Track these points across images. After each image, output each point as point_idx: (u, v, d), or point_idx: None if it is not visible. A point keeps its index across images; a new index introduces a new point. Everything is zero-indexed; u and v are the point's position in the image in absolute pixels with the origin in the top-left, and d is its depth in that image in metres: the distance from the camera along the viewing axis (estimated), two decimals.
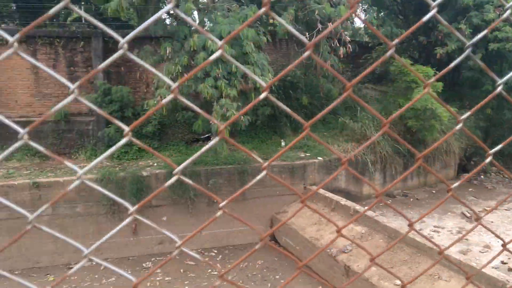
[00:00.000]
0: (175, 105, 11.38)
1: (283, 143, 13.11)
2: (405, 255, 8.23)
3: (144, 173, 11.04)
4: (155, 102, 10.11)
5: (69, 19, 16.15)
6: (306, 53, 1.08)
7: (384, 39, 1.19)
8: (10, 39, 0.85)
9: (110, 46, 13.03)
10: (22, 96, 12.83)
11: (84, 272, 10.13)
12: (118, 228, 1.09)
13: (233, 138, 13.19)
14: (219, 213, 1.13)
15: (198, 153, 1.12)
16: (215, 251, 11.33)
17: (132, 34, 0.92)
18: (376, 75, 17.36)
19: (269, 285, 9.59)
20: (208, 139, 12.69)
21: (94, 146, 12.50)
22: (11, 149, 0.92)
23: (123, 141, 1.04)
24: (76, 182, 1.00)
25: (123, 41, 0.92)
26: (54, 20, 16.50)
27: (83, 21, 15.55)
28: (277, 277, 9.87)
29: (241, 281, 9.67)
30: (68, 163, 1.05)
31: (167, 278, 9.84)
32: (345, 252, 9.01)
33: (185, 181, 1.07)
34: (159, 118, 12.45)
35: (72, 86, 0.93)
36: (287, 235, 11.10)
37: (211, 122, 10.24)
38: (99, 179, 10.58)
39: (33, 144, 0.95)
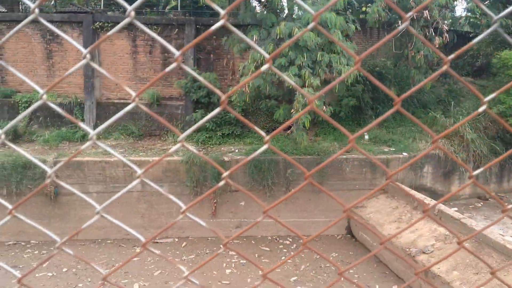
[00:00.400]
0: (259, 93, 11.54)
1: (366, 137, 12.75)
2: (492, 261, 7.66)
3: (226, 158, 11.39)
4: (239, 89, 10.33)
5: (168, 7, 17.06)
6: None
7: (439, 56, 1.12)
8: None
9: (201, 33, 13.51)
10: (121, 79, 13.80)
11: (167, 248, 10.78)
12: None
13: (313, 129, 13.10)
14: (260, 218, 1.15)
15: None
16: (290, 240, 11.42)
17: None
18: (476, 68, 16.14)
19: (342, 279, 9.45)
20: (289, 128, 12.72)
21: (182, 129, 13.13)
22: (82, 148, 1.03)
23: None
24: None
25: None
26: (154, 8, 17.52)
27: (179, 9, 16.30)
28: (351, 271, 9.71)
29: (313, 271, 9.67)
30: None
31: (242, 261, 10.13)
32: (426, 253, 8.60)
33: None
34: (243, 106, 12.72)
35: (134, 94, 1.01)
36: (364, 231, 10.85)
37: (292, 111, 10.25)
38: (184, 161, 11.11)
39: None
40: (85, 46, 10.46)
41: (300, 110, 9.84)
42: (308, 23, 9.96)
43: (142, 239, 1.15)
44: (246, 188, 11.34)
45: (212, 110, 13.53)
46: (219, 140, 12.56)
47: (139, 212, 11.08)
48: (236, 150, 11.96)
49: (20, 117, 1.15)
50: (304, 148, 11.40)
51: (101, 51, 13.51)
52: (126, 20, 0.97)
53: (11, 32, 1.12)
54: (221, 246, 1.17)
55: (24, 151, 1.24)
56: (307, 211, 11.50)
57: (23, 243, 10.74)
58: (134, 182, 1.22)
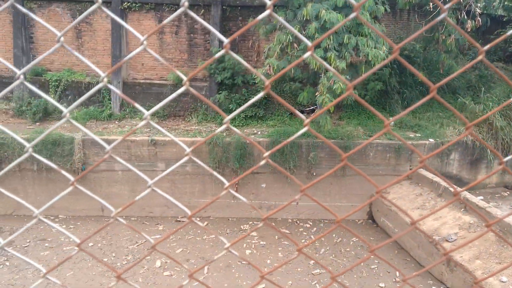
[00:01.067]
0: (283, 75, 11.48)
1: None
2: None
3: (248, 141, 11.42)
4: (264, 71, 10.29)
5: None
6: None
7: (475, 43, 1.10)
8: None
9: (228, 14, 13.49)
10: (148, 60, 13.93)
11: (188, 226, 10.99)
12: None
13: (337, 113, 12.98)
14: (297, 196, 1.17)
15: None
16: (310, 223, 11.47)
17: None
18: (508, 53, 15.59)
19: (362, 264, 9.49)
20: (313, 111, 12.65)
21: (205, 110, 13.22)
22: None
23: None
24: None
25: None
26: None
27: None
28: (372, 256, 9.71)
29: (333, 255, 9.71)
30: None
31: (262, 242, 10.25)
32: (449, 241, 8.51)
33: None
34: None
35: (184, 78, 1.04)
36: (386, 216, 10.79)
37: (316, 94, 10.16)
38: (207, 142, 11.22)
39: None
40: (114, 27, 10.65)
41: (324, 93, 9.75)
42: (335, 5, 9.78)
43: (188, 211, 1.20)
44: (268, 170, 11.39)
45: (236, 92, 13.60)
46: (242, 121, 12.61)
47: (162, 191, 11.28)
48: (259, 132, 11.99)
49: (81, 99, 1.20)
50: (327, 131, 11.33)
51: (129, 31, 13.63)
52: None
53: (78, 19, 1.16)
54: (261, 221, 1.21)
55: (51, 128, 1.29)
56: (330, 195, 11.49)
57: (52, 217, 11.13)
58: (183, 159, 1.29)
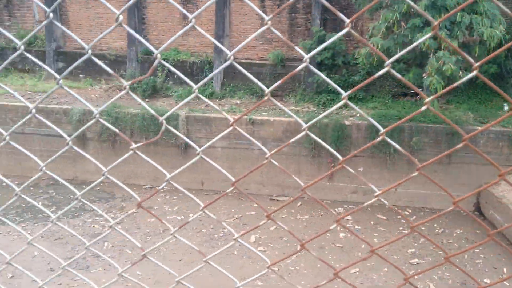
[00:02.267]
0: (388, 55, 10.93)
1: (506, 107, 11.38)
2: None
3: (346, 122, 11.16)
4: (367, 51, 9.89)
5: None
6: None
7: None
8: None
9: None
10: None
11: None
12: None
13: (445, 96, 12.07)
14: (415, 173, 1.09)
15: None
16: (409, 211, 10.96)
17: None
18: None
19: (465, 256, 8.88)
20: (417, 94, 11.91)
21: (303, 91, 13.14)
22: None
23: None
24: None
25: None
26: None
27: None
28: (477, 250, 9.04)
29: (434, 246, 9.20)
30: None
31: (357, 227, 10.06)
32: None
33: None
34: (368, 69, 12.19)
35: (305, 55, 1.01)
36: (495, 209, 9.91)
37: (424, 76, 9.54)
38: (305, 122, 11.16)
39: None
40: (218, 7, 10.81)
41: (433, 74, 9.11)
42: None
43: (302, 182, 1.20)
44: (366, 154, 11.05)
45: (336, 72, 13.28)
46: (341, 102, 12.32)
47: (258, 170, 11.53)
48: (358, 114, 11.63)
49: (212, 75, 1.25)
50: (434, 116, 10.63)
51: (232, 11, 13.94)
52: None
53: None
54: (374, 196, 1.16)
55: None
56: (432, 183, 10.84)
57: (157, 188, 12.02)
58: (299, 135, 1.31)
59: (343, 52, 12.62)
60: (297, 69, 1.27)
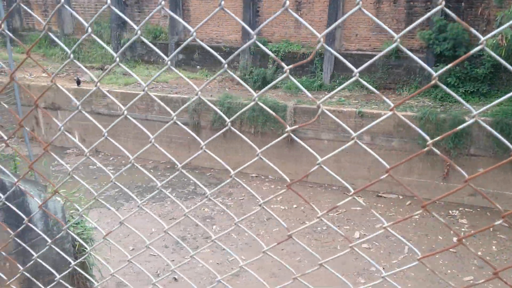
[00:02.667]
0: None
1: None
2: None
3: (467, 118, 10.27)
4: (494, 41, 8.96)
5: None
6: None
7: None
8: None
9: None
10: (362, 30, 13.74)
11: (390, 203, 10.70)
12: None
13: None
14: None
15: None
16: None
17: None
18: None
19: None
20: None
21: (419, 84, 12.39)
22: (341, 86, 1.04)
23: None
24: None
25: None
26: None
27: None
28: None
29: None
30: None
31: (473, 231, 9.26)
32: None
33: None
34: (493, 61, 11.04)
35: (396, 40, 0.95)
36: None
37: None
38: (419, 118, 10.54)
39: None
40: None
41: None
42: None
43: (351, 189, 1.15)
44: (488, 154, 10.09)
45: (457, 64, 12.19)
46: (461, 97, 11.37)
47: (365, 164, 11.20)
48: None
49: (269, 86, 1.27)
50: None
51: (346, 1, 13.62)
52: None
53: None
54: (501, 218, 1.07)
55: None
56: None
57: (263, 177, 12.31)
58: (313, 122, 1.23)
59: (466, 43, 11.60)
60: (311, 55, 1.19)
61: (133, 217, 9.73)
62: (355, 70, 1.21)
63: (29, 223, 1.87)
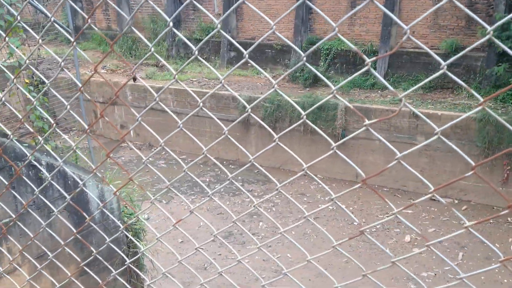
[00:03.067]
0: None
1: None
2: None
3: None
4: None
5: None
6: None
7: None
8: None
9: None
10: (419, 27, 13.26)
11: (444, 207, 10.29)
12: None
13: None
14: None
15: None
16: None
17: None
18: None
19: None
20: None
21: (479, 83, 11.80)
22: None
23: None
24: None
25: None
26: None
27: None
28: None
29: None
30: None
31: None
32: None
33: None
34: None
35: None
36: None
37: None
38: (478, 119, 10.04)
39: None
40: None
41: None
42: None
43: (431, 187, 1.11)
44: None
45: None
46: None
47: (418, 166, 10.82)
48: None
49: (350, 78, 1.26)
50: None
51: None
52: None
53: None
54: None
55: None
56: None
57: (311, 175, 12.20)
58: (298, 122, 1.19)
59: None
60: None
61: (182, 211, 9.98)
62: (443, 63, 1.14)
63: (90, 222, 1.97)
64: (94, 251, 1.99)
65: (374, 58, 1.26)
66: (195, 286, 7.27)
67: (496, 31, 11.08)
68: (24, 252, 2.21)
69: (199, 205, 1.69)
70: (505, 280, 7.66)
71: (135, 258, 2.28)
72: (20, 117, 1.76)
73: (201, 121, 13.43)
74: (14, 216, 2.03)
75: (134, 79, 14.66)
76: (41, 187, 2.04)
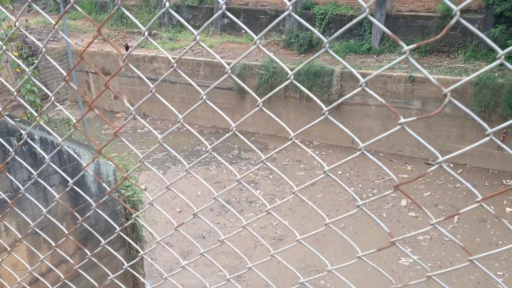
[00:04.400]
0: None
1: None
2: None
3: None
4: None
5: None
6: None
7: None
8: None
9: None
10: None
11: (440, 171, 10.36)
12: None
13: None
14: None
15: None
16: None
17: None
18: None
19: None
20: None
21: (475, 47, 11.66)
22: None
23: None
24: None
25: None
26: None
27: None
28: None
29: None
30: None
31: None
32: None
33: None
34: None
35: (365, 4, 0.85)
36: None
37: None
38: (474, 83, 9.98)
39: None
40: None
41: None
42: None
43: (439, 156, 1.08)
44: None
45: None
46: None
47: (415, 131, 10.79)
48: None
49: (342, 30, 1.20)
50: None
51: None
52: None
53: None
54: None
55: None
56: None
57: (307, 142, 12.20)
58: (284, 83, 1.14)
59: None
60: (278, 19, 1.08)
61: (180, 181, 10.01)
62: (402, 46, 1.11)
63: (92, 206, 1.94)
64: (91, 230, 1.97)
65: (412, 46, 1.21)
66: (193, 256, 7.38)
67: None
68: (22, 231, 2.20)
69: (176, 180, 1.66)
70: (500, 242, 7.80)
71: (126, 224, 2.27)
72: (12, 89, 1.71)
73: (196, 90, 13.28)
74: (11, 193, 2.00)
75: (127, 48, 14.40)
76: (39, 170, 2.00)
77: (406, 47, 1.04)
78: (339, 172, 10.42)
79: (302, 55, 13.37)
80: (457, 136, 10.54)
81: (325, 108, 1.26)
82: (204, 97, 1.38)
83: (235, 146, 12.00)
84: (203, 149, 12.01)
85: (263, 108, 1.34)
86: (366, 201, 1.26)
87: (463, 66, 11.07)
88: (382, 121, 11.19)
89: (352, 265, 1.36)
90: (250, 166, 10.94)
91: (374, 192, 9.64)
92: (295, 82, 1.21)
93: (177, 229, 1.91)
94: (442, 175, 10.05)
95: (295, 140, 1.33)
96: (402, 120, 1.12)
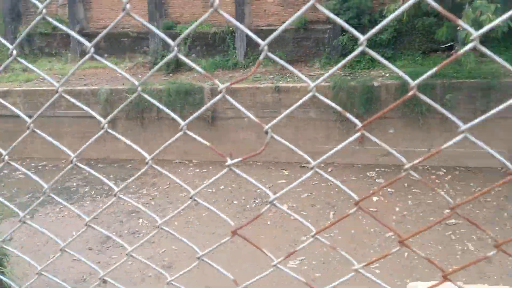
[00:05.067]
0: (418, 9, 10.38)
1: None
2: None
3: (375, 84, 10.81)
4: (396, 7, 9.42)
5: None
6: None
7: None
8: None
9: None
10: (270, 5, 13.78)
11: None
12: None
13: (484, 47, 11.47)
14: (458, 137, 0.95)
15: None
16: (444, 171, 10.65)
17: None
18: None
19: (505, 214, 8.62)
20: (451, 48, 11.37)
21: (328, 54, 12.77)
22: None
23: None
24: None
25: None
26: None
27: None
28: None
29: (470, 205, 8.93)
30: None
31: (390, 190, 9.87)
32: None
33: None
34: (396, 26, 11.69)
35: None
36: None
37: (458, 29, 9.04)
38: (331, 87, 10.89)
39: None
40: None
41: (470, 25, 8.61)
42: None
43: (311, 160, 1.08)
44: (397, 115, 10.73)
45: (362, 32, 12.70)
46: (368, 64, 11.91)
47: (286, 137, 11.38)
48: (387, 74, 11.25)
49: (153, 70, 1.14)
50: (468, 71, 10.13)
51: None
52: None
53: None
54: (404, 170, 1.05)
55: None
56: (468, 140, 10.46)
57: (186, 162, 12.07)
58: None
59: (369, 10, 12.11)
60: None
61: (50, 223, 9.13)
62: (262, 43, 1.11)
63: None
64: None
65: (230, 83, 1.19)
66: None
67: (338, 3, 12.05)
68: None
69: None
70: (372, 230, 8.54)
71: None
72: None
73: (60, 122, 12.29)
74: None
75: None
76: None
77: (362, 38, 1.05)
78: (221, 187, 10.48)
79: (170, 74, 13.24)
80: (323, 137, 11.36)
81: (182, 123, 1.20)
82: (106, 125, 1.22)
83: (110, 176, 11.34)
84: (74, 184, 11.11)
85: (187, 131, 1.24)
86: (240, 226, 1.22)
87: (320, 73, 12.02)
88: (256, 132, 11.58)
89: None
90: (130, 195, 10.41)
91: (257, 201, 9.87)
92: (143, 94, 1.13)
93: (40, 273, 1.68)
94: (316, 175, 10.70)
95: (153, 165, 1.25)
96: (266, 127, 1.12)
